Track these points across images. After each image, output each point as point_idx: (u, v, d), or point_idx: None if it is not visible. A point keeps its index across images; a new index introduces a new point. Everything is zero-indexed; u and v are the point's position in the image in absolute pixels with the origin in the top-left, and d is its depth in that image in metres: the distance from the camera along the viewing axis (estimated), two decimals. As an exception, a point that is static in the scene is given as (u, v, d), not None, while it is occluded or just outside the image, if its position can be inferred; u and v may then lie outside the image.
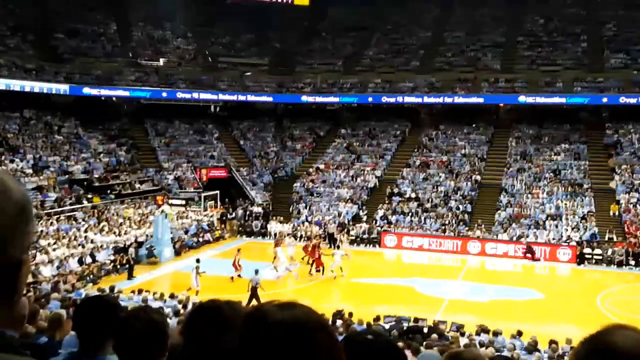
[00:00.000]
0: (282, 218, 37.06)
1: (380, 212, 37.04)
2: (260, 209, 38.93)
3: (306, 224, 36.35)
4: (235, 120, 50.12)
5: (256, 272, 21.41)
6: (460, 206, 36.89)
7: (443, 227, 34.83)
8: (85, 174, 36.26)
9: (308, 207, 38.79)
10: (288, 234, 33.10)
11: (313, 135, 48.78)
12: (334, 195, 39.79)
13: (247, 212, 38.40)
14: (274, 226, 36.15)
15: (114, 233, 29.06)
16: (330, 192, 40.35)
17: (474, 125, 46.29)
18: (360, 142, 46.44)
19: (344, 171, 42.73)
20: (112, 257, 26.92)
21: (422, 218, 36.19)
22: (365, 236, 34.72)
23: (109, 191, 35.37)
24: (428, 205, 37.50)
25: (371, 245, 34.24)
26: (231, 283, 25.12)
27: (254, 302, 19.41)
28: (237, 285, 24.09)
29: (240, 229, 36.80)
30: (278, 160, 46.08)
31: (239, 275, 25.45)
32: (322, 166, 43.97)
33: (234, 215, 38.08)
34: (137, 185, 37.99)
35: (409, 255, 33.69)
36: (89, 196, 33.61)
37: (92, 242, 27.65)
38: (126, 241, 28.81)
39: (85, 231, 28.57)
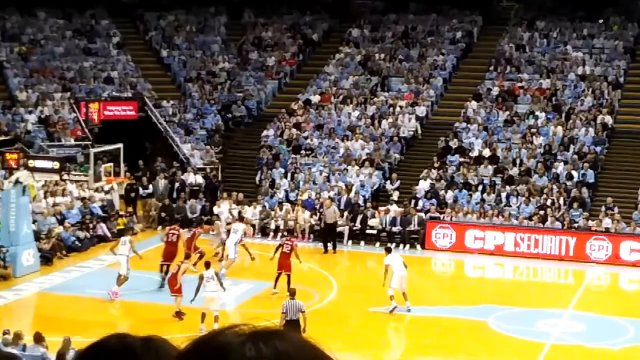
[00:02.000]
0: (240, 196, 37.19)
1: (425, 185, 37.21)
2: (200, 179, 39.02)
3: (287, 206, 36.46)
4: (150, 10, 49.79)
5: None
6: (575, 173, 37.09)
7: (542, 213, 35.05)
8: None
9: (290, 176, 38.94)
10: (248, 224, 33.15)
11: (299, 40, 48.76)
12: (339, 154, 39.93)
13: (176, 185, 38.54)
14: (224, 210, 36.22)
15: None
16: (331, 146, 40.47)
17: (600, 20, 46.25)
18: (387, 54, 46.35)
19: (357, 108, 42.76)
20: None
21: (503, 196, 36.42)
22: (395, 229, 34.92)
23: None
24: (513, 172, 37.65)
25: (407, 246, 34.53)
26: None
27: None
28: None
29: (164, 214, 36.97)
30: (233, 86, 46.12)
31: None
32: (315, 98, 43.96)
33: (150, 189, 38.17)
34: None
35: (478, 263, 33.85)
36: None
37: None
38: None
39: None
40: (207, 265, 25.48)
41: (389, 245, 30.62)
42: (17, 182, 29.87)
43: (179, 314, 25.48)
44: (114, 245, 28.42)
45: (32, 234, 30.33)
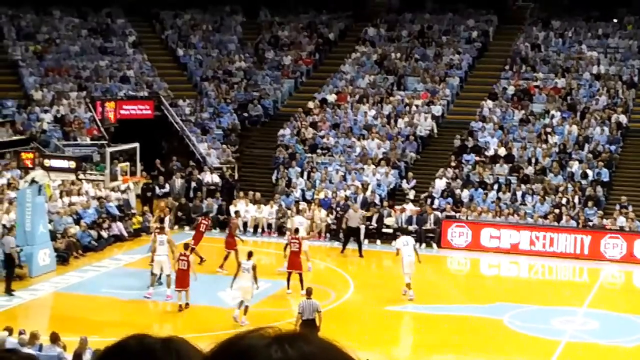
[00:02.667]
0: (257, 195, 37.28)
1: (441, 184, 37.25)
2: (216, 178, 39.11)
3: (303, 204, 36.53)
4: (167, 9, 49.96)
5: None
6: (589, 172, 37.07)
7: (557, 212, 35.05)
8: None
9: (307, 175, 38.99)
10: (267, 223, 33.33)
11: (316, 39, 48.86)
12: (355, 153, 39.97)
13: (193, 184, 38.65)
14: (242, 209, 36.34)
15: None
16: (347, 145, 40.52)
17: (615, 20, 46.22)
18: (403, 53, 46.40)
19: (374, 107, 42.83)
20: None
21: (519, 194, 36.42)
22: (412, 228, 34.94)
23: None
24: (529, 171, 37.65)
25: (424, 245, 34.56)
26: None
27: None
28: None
29: (181, 214, 37.08)
30: (249, 85, 46.17)
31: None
32: (331, 97, 44.02)
33: (167, 188, 38.29)
34: None
35: (493, 261, 33.92)
36: None
37: None
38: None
39: None
40: (250, 255, 25.77)
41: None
42: (32, 181, 29.89)
43: (181, 308, 25.94)
44: (153, 247, 28.23)
45: (48, 234, 30.33)
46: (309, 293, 22.95)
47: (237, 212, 33.65)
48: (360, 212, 34.46)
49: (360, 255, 33.21)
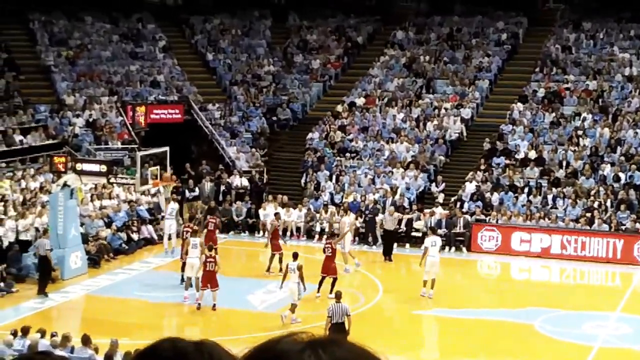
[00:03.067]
0: (285, 198, 37.32)
1: (471, 187, 37.13)
2: (245, 182, 39.20)
3: (332, 208, 36.50)
4: (196, 14, 50.10)
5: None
6: (622, 175, 36.81)
7: (589, 215, 34.83)
8: None
9: (335, 179, 38.99)
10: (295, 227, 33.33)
11: (344, 42, 48.86)
12: (384, 156, 39.94)
13: (222, 187, 38.72)
14: (270, 212, 36.36)
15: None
16: (376, 149, 40.50)
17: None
18: (432, 56, 46.36)
19: (402, 110, 42.77)
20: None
21: (550, 198, 36.24)
22: (441, 231, 34.79)
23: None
24: (560, 174, 37.46)
25: (453, 249, 34.47)
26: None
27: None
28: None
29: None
30: (278, 89, 46.25)
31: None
32: (360, 100, 44.00)
33: (196, 192, 38.43)
34: (18, 138, 38.21)
35: (524, 265, 33.74)
36: None
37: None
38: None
39: None
40: (295, 256, 26.09)
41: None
42: (65, 185, 30.10)
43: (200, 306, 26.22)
44: (185, 249, 28.41)
45: (79, 237, 30.52)
46: (338, 297, 22.95)
47: (277, 214, 33.56)
48: (396, 214, 34.35)
49: (390, 259, 33.15)
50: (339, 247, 29.49)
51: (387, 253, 33.28)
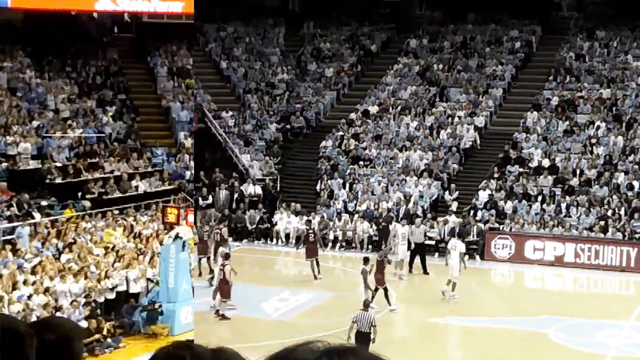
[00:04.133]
0: (298, 206, 37.32)
1: (484, 195, 37.06)
2: (259, 189, 39.25)
3: (345, 216, 36.47)
4: (210, 22, 50.21)
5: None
6: (636, 184, 36.72)
7: (602, 223, 34.74)
8: (37, 159, 34.58)
9: (349, 187, 38.97)
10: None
11: (358, 50, 48.91)
12: (397, 164, 39.92)
13: (236, 195, 38.75)
14: (284, 221, 36.40)
15: (84, 275, 26.72)
16: (389, 157, 40.49)
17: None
18: (446, 64, 46.38)
19: (416, 118, 42.77)
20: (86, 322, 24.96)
21: (563, 206, 36.16)
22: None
23: (79, 194, 33.81)
24: (573, 182, 37.38)
25: (467, 256, 34.31)
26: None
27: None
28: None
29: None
30: (292, 97, 46.34)
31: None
32: (373, 108, 44.02)
33: (210, 200, 38.48)
34: (134, 184, 35.81)
35: (537, 274, 33.72)
36: (45, 203, 32.07)
37: (48, 292, 25.30)
38: (106, 290, 26.95)
39: (35, 272, 26.11)
40: (365, 260, 27.23)
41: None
42: (177, 237, 27.95)
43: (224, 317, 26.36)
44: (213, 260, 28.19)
45: (190, 291, 28.21)
46: (365, 306, 23.00)
47: (308, 222, 33.41)
48: (423, 227, 34.01)
49: (426, 272, 32.53)
50: (392, 257, 30.10)
51: (422, 267, 32.71)
